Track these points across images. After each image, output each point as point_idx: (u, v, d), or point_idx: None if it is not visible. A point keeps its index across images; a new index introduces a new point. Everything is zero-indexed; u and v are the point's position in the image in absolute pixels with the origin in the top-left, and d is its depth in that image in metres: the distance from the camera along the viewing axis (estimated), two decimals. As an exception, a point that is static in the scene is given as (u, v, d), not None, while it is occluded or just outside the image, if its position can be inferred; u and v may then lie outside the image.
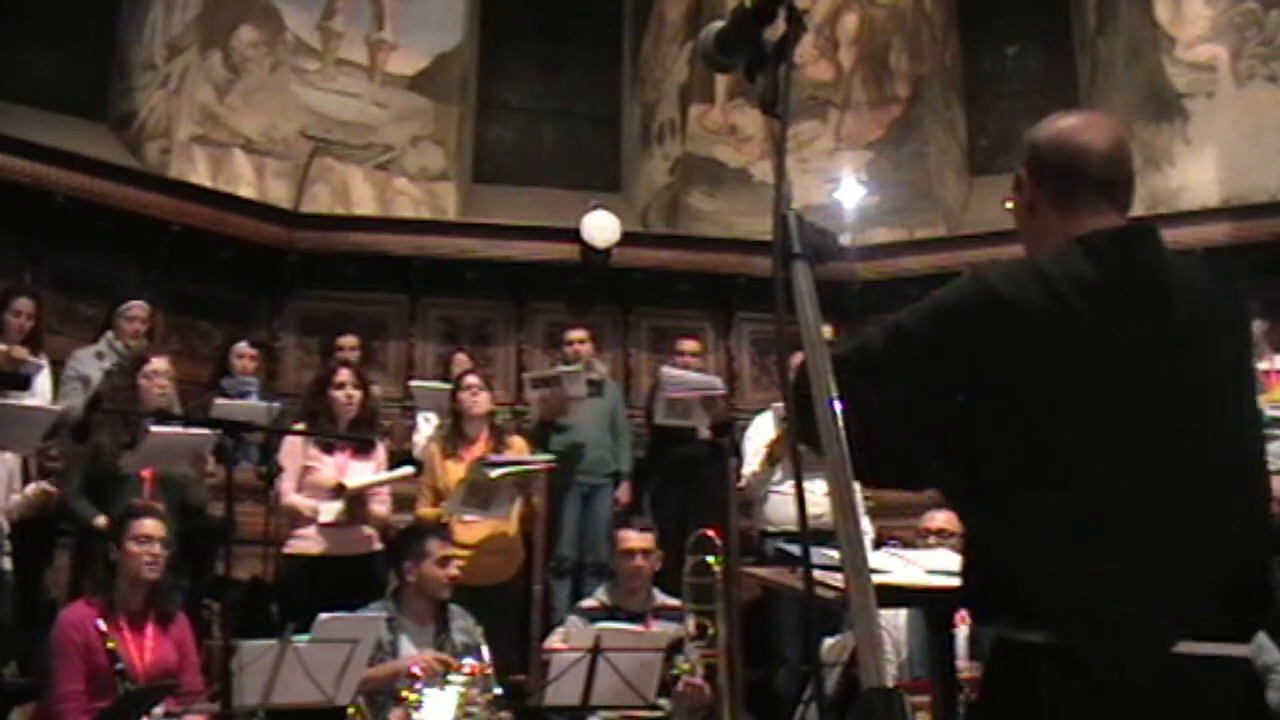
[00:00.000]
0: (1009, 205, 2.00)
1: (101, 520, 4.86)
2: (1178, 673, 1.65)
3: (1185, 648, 1.66)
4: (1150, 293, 1.81)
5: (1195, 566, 1.69)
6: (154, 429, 4.88)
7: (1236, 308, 1.94)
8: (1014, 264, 1.89)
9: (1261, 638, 4.93)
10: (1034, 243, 1.95)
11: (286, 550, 5.20)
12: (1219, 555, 1.71)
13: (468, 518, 5.41)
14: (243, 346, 7.21)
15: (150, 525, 4.16)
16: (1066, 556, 1.68)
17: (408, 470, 5.64)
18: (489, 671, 4.22)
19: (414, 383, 7.46)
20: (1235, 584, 1.72)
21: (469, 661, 4.24)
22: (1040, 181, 1.92)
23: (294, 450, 5.20)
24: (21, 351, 5.78)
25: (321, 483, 5.21)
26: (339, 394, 5.33)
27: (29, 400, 5.65)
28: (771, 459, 5.91)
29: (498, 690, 4.20)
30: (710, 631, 5.00)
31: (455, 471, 5.54)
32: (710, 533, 5.30)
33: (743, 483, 6.22)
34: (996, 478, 1.73)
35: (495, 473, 5.35)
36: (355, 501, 5.21)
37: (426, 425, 6.82)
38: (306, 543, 5.17)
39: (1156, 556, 1.68)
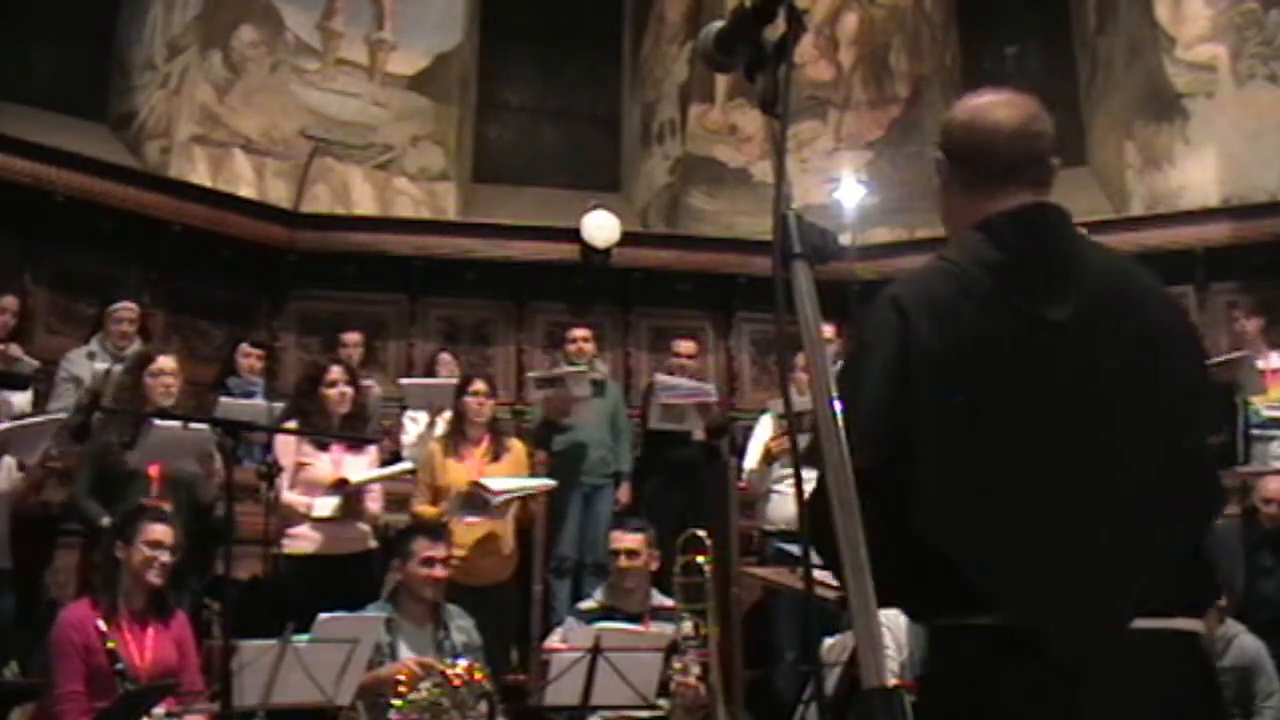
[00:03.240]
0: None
1: (108, 521, 4.86)
2: (1134, 647, 1.68)
3: (1140, 623, 1.68)
4: (1057, 270, 1.80)
5: (1139, 547, 1.71)
6: (157, 423, 4.89)
7: (1157, 291, 1.90)
8: (919, 270, 1.88)
9: (1264, 659, 4.96)
10: (949, 227, 1.95)
11: (282, 550, 5.18)
12: (1161, 540, 1.73)
13: (467, 519, 5.42)
14: (248, 347, 7.24)
15: (161, 531, 4.13)
16: (1013, 541, 1.68)
17: (407, 465, 5.65)
18: (480, 675, 4.21)
19: (404, 380, 7.43)
20: (1179, 563, 1.75)
21: (462, 662, 4.24)
22: (951, 165, 1.92)
23: (288, 448, 5.21)
24: (16, 349, 5.79)
25: (318, 479, 5.21)
26: (331, 392, 5.34)
27: (15, 398, 5.68)
28: (768, 458, 5.94)
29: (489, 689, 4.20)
30: (702, 631, 5.01)
31: (455, 470, 5.55)
32: (700, 532, 5.31)
33: (743, 481, 6.24)
34: (940, 473, 1.71)
35: (498, 500, 5.40)
36: (352, 497, 5.22)
37: (414, 425, 6.81)
38: (302, 542, 5.16)
39: (1102, 539, 1.70)
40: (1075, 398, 1.74)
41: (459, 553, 5.16)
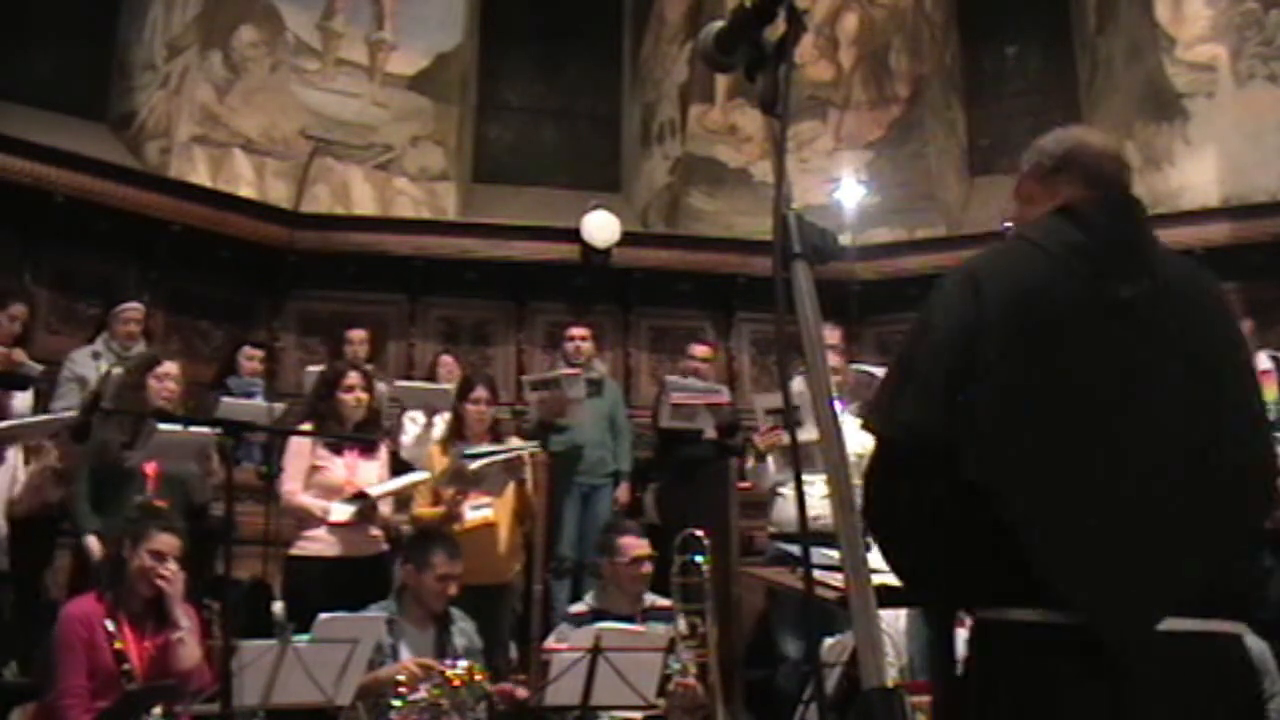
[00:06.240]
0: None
1: (94, 543, 4.96)
2: (1176, 647, 1.67)
3: (1179, 624, 1.67)
4: (1134, 251, 1.83)
5: (1191, 545, 1.70)
6: (161, 426, 4.92)
7: (1216, 288, 1.95)
8: (996, 247, 1.91)
9: (1269, 661, 4.93)
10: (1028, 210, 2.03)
11: (294, 552, 5.15)
12: (1212, 535, 1.72)
13: (469, 510, 5.39)
14: (250, 349, 7.25)
15: (165, 542, 4.09)
16: (1073, 534, 1.66)
17: (424, 475, 5.63)
18: (480, 677, 4.21)
19: (399, 382, 7.42)
20: (1225, 565, 1.74)
21: (462, 663, 4.23)
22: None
23: (302, 451, 5.19)
24: (21, 354, 5.82)
25: (333, 483, 5.18)
26: (348, 397, 5.31)
27: (16, 399, 5.70)
28: (758, 454, 5.93)
29: (489, 689, 4.20)
30: (699, 630, 5.00)
31: (453, 467, 5.54)
32: (698, 532, 5.29)
33: (746, 482, 6.24)
34: (1003, 446, 1.69)
35: (474, 465, 5.34)
36: (369, 505, 5.21)
37: (413, 425, 6.80)
38: (318, 545, 5.12)
39: (1156, 533, 1.68)
40: (1141, 379, 1.74)
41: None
